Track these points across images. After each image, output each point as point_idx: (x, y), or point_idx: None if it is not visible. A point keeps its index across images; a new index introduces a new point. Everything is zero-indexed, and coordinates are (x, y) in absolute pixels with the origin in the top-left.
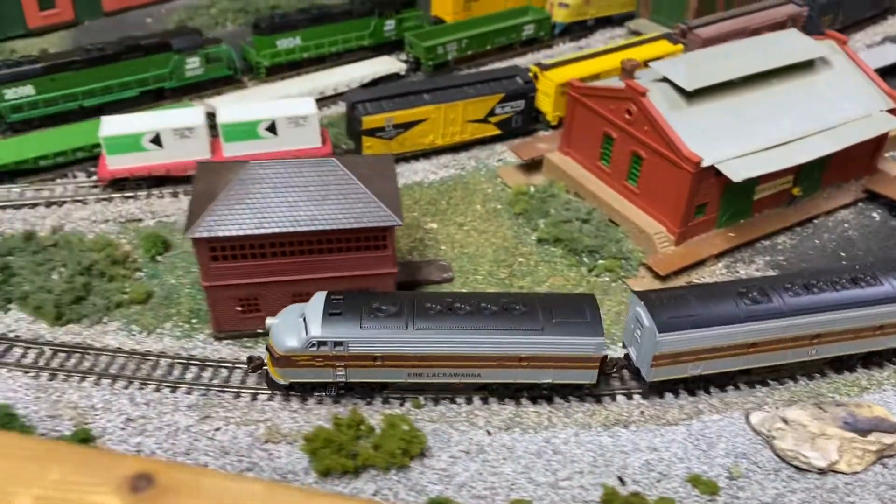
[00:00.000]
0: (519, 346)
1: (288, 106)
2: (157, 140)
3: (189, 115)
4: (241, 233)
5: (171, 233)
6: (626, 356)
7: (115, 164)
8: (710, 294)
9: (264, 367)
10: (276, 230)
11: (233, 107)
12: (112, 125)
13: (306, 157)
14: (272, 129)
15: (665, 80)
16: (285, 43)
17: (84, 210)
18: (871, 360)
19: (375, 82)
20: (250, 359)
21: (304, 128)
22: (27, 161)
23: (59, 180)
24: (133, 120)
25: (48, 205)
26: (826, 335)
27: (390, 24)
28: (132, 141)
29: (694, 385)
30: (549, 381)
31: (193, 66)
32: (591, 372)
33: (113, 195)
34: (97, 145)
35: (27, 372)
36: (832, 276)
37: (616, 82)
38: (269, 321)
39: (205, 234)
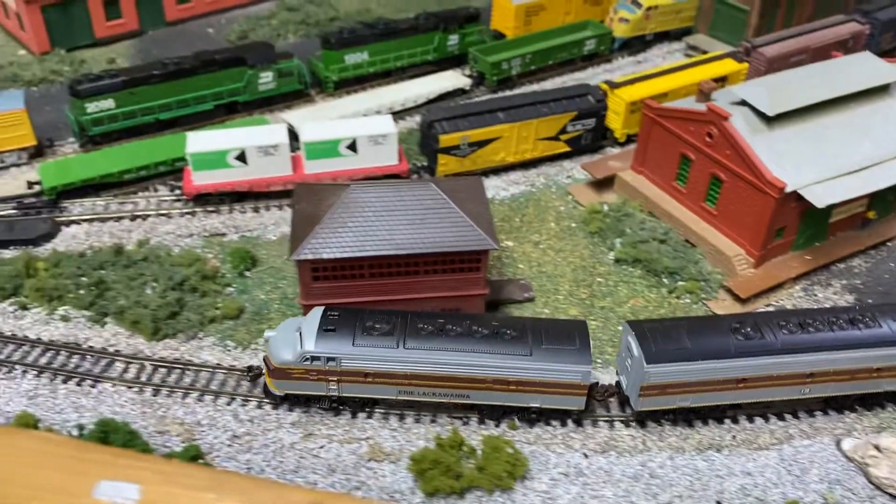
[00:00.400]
0: (507, 370)
1: (368, 125)
2: (241, 157)
3: (273, 132)
4: (343, 255)
5: (254, 248)
6: (618, 384)
7: (201, 179)
8: (703, 327)
9: (262, 378)
10: (377, 253)
11: (315, 125)
12: (199, 142)
13: (401, 180)
14: (353, 147)
15: (744, 103)
16: (353, 58)
17: (169, 224)
18: None
19: (441, 97)
20: (249, 368)
21: (384, 146)
22: (112, 175)
23: (140, 194)
24: (218, 137)
25: (133, 218)
26: (820, 374)
27: (454, 39)
28: (218, 157)
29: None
30: (538, 405)
31: (266, 80)
32: (579, 399)
33: (196, 209)
34: (178, 159)
35: (131, 387)
36: (830, 316)
37: (692, 103)
38: (267, 333)
39: (309, 257)
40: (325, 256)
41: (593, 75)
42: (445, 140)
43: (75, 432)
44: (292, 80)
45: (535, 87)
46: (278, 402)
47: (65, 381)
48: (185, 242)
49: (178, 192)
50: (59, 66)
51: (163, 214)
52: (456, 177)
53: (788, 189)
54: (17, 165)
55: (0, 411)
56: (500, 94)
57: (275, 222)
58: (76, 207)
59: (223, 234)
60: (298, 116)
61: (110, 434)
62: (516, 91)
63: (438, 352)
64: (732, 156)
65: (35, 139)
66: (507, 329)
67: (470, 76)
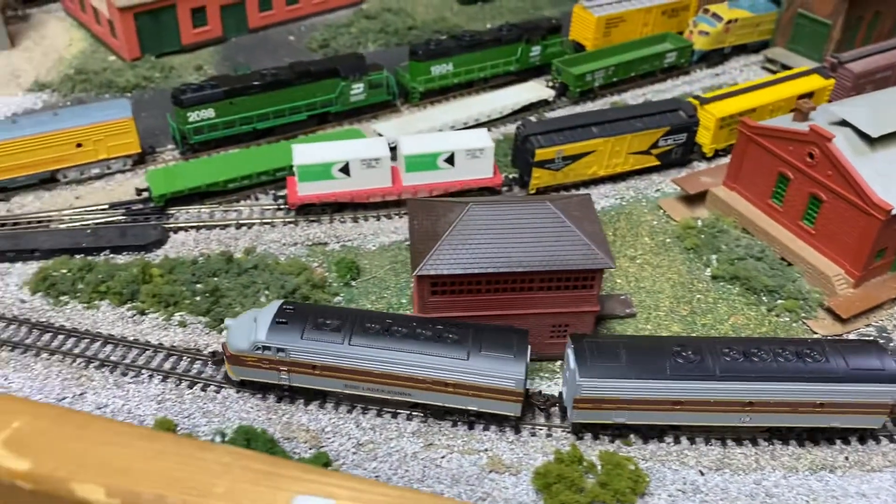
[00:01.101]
0: (444, 371)
1: (466, 139)
2: (345, 169)
3: (375, 146)
4: (464, 272)
5: (356, 257)
6: (560, 394)
7: (306, 190)
8: (644, 347)
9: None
10: (496, 270)
11: (414, 139)
12: (305, 154)
13: (517, 198)
14: (450, 160)
15: (844, 123)
16: (439, 69)
17: (273, 232)
18: None
19: (525, 108)
20: (213, 353)
21: (480, 160)
22: (218, 183)
23: (242, 202)
24: (323, 149)
25: (238, 226)
26: (759, 404)
27: (536, 50)
28: (323, 170)
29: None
30: (475, 409)
31: (357, 91)
32: (514, 405)
33: (298, 219)
34: (279, 169)
35: (254, 393)
36: (776, 347)
37: (790, 122)
38: (227, 321)
39: (431, 273)
40: (446, 272)
41: (672, 87)
42: (541, 154)
43: (218, 439)
44: (381, 92)
45: (616, 98)
46: (237, 387)
47: (190, 386)
48: (289, 251)
49: (281, 201)
50: (151, 73)
51: (266, 223)
52: (564, 194)
53: (895, 211)
54: (122, 172)
55: (133, 415)
56: (592, 109)
57: (373, 232)
58: (182, 214)
59: (325, 244)
60: (389, 127)
61: (251, 441)
62: (598, 103)
63: (382, 350)
64: (835, 176)
65: (140, 147)
66: (449, 333)
67: (552, 87)
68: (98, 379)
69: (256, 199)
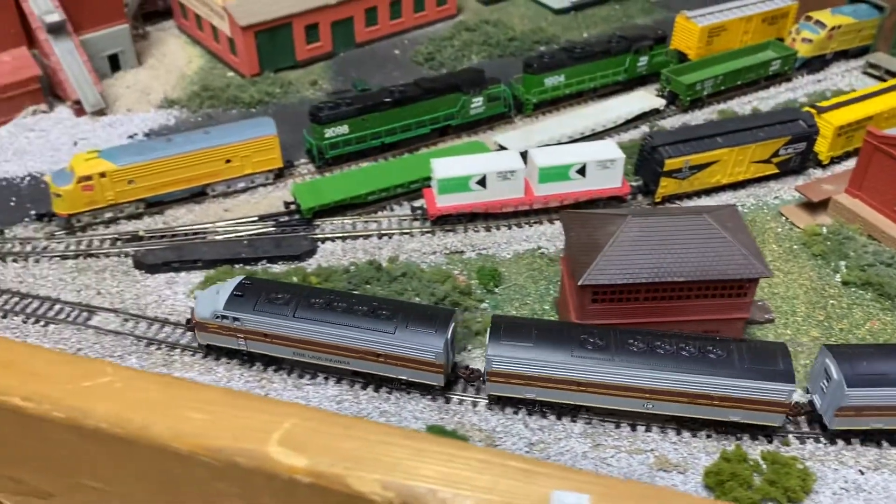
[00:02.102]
0: (374, 343)
1: (597, 151)
2: (482, 181)
3: (510, 159)
4: (626, 281)
5: (493, 265)
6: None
7: (444, 202)
8: (554, 331)
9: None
10: (657, 280)
11: (546, 151)
12: (444, 169)
13: (671, 209)
14: (582, 171)
15: None
16: (551, 81)
17: (413, 242)
18: None
19: (637, 119)
20: (188, 320)
21: (610, 170)
22: (360, 196)
23: (379, 213)
24: (460, 163)
25: (380, 236)
26: (659, 392)
27: (643, 60)
28: (461, 182)
29: None
30: (405, 378)
31: (477, 105)
32: (437, 375)
33: (434, 228)
34: (414, 181)
35: (424, 394)
36: (680, 341)
37: None
38: (196, 292)
39: (595, 282)
40: (608, 282)
41: (776, 94)
42: (670, 164)
43: None
44: (499, 104)
45: (722, 106)
46: (204, 351)
47: (364, 387)
48: (429, 259)
49: (419, 212)
50: (272, 89)
51: (406, 233)
52: (712, 205)
53: None
54: (264, 185)
55: None
56: (713, 119)
57: (506, 241)
58: (328, 225)
59: (462, 252)
60: (510, 139)
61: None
62: (705, 111)
63: (322, 323)
64: None
65: (282, 161)
66: (383, 309)
67: (661, 96)
68: (277, 381)
69: (392, 209)
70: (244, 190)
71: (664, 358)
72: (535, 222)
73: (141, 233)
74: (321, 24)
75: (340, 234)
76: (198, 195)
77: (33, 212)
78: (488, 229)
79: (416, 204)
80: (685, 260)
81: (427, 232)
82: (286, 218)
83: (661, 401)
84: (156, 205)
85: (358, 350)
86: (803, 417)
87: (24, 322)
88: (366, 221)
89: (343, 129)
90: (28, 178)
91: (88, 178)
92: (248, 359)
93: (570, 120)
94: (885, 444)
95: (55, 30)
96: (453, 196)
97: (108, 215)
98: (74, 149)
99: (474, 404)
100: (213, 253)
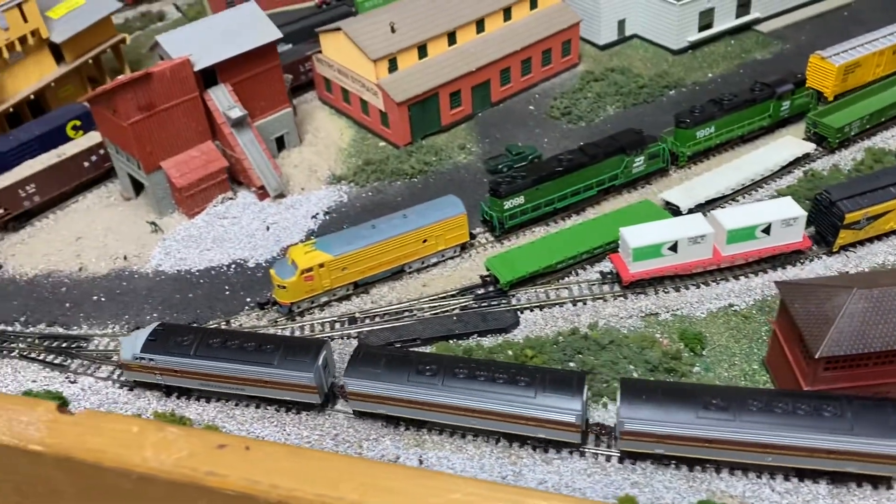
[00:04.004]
0: (251, 373)
1: (779, 209)
2: (673, 247)
3: (698, 223)
4: (862, 351)
5: (690, 325)
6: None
7: (638, 268)
8: (399, 359)
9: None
10: (888, 348)
11: (731, 212)
12: (637, 237)
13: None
14: (767, 230)
15: None
16: (702, 133)
17: (608, 307)
18: None
19: (789, 165)
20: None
21: (793, 227)
22: (551, 266)
23: (566, 279)
24: (651, 230)
25: (574, 303)
26: (473, 411)
27: (786, 105)
28: (654, 250)
29: None
30: (283, 398)
31: (639, 164)
32: (312, 395)
33: (626, 292)
34: (598, 247)
35: (667, 464)
36: (496, 370)
37: None
38: (120, 338)
39: (827, 354)
40: (843, 353)
41: None
42: (850, 217)
43: None
44: (658, 161)
45: (867, 143)
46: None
47: (608, 459)
48: (627, 323)
49: (609, 277)
50: (428, 157)
51: (599, 298)
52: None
53: None
54: (452, 258)
55: (572, 488)
56: (883, 168)
57: (697, 300)
58: (523, 295)
59: (656, 314)
60: (676, 196)
61: None
62: (851, 150)
63: (213, 360)
64: None
65: (469, 236)
66: (265, 345)
67: (807, 139)
68: (526, 457)
69: (577, 274)
70: (435, 264)
71: (479, 383)
72: (722, 279)
73: (357, 315)
74: (462, 89)
75: (537, 304)
76: (397, 273)
77: (248, 299)
78: (677, 289)
79: (606, 269)
80: None
81: (619, 296)
82: (482, 291)
83: (478, 418)
84: (362, 285)
85: (240, 378)
86: None
87: (283, 412)
88: (556, 289)
89: (520, 199)
90: (234, 266)
91: (310, 269)
92: (491, 438)
93: (728, 172)
94: None
95: (238, 124)
96: (646, 262)
97: (324, 300)
98: (268, 233)
99: (718, 470)
100: (429, 331)
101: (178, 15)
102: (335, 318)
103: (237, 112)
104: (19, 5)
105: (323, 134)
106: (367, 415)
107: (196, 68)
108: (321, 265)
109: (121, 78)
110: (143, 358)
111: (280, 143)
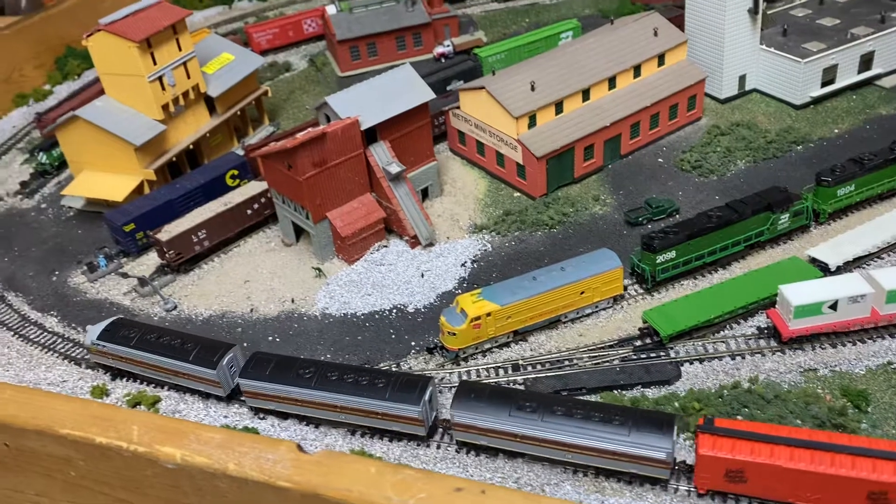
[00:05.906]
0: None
1: None
2: (833, 306)
3: (857, 284)
4: None
5: (850, 381)
6: None
7: (797, 325)
8: (285, 365)
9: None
10: None
11: (891, 273)
12: (800, 295)
13: None
14: None
15: None
16: (843, 191)
17: (766, 361)
18: None
19: None
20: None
21: None
22: (710, 319)
23: (720, 333)
24: (812, 289)
25: (732, 357)
26: (340, 407)
27: None
28: (815, 307)
29: None
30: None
31: (784, 221)
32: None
33: (783, 347)
34: (753, 302)
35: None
36: (348, 374)
37: None
38: (88, 327)
39: None
40: None
41: None
42: None
43: None
44: (801, 218)
45: None
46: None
47: (699, 495)
48: (787, 378)
49: (766, 332)
50: (565, 209)
51: (757, 353)
52: None
53: None
54: (605, 309)
55: None
56: None
57: (855, 356)
58: (681, 348)
59: (815, 370)
60: (823, 252)
61: None
62: None
63: (140, 350)
64: None
65: (623, 289)
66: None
67: None
68: (614, 487)
69: (731, 328)
70: (589, 315)
71: (340, 383)
72: (879, 337)
73: (521, 362)
74: (595, 143)
75: (696, 357)
76: (553, 322)
77: (413, 343)
78: (834, 345)
79: (762, 324)
80: None
81: (777, 351)
82: (639, 342)
83: (343, 413)
84: (521, 333)
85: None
86: None
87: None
88: (714, 342)
89: (671, 254)
90: (395, 311)
91: (478, 318)
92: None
93: (873, 230)
94: None
95: (396, 178)
96: (806, 319)
97: (487, 346)
98: (423, 280)
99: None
100: (594, 381)
101: (303, 65)
102: (499, 364)
103: (395, 168)
104: (184, 63)
105: (460, 184)
106: (546, 460)
107: (362, 128)
108: (489, 314)
109: (300, 136)
110: (97, 344)
111: (424, 194)
